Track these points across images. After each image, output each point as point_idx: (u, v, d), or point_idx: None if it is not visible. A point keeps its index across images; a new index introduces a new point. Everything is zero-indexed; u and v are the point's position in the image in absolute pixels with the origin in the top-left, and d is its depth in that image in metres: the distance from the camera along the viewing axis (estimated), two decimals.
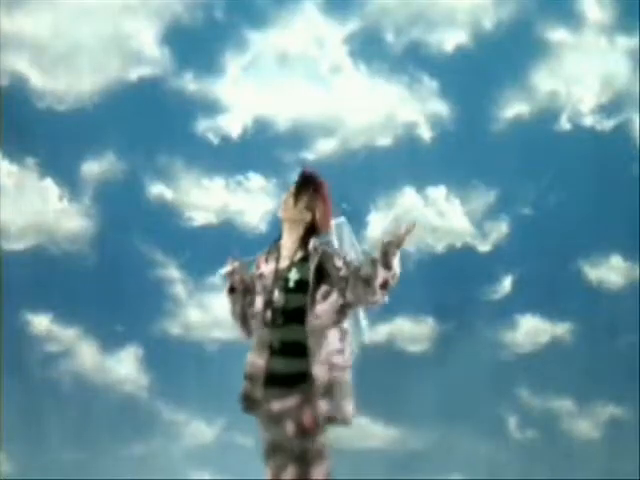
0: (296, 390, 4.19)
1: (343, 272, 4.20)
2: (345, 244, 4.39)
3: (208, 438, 6.55)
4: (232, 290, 4.45)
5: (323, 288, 4.23)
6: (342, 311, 4.25)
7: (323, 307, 4.23)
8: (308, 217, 4.32)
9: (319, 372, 4.18)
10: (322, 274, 4.23)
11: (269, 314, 4.28)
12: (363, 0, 6.55)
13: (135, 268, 6.48)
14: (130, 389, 6.55)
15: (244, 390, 4.31)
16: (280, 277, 4.29)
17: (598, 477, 6.52)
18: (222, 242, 6.39)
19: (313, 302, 4.20)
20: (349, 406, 4.27)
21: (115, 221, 6.47)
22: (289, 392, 4.19)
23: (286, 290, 4.26)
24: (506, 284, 6.70)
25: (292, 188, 4.37)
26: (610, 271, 6.75)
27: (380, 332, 6.56)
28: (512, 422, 6.72)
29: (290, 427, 4.18)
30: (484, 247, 6.71)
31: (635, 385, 6.64)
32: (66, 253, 6.48)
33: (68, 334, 6.49)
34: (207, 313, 6.56)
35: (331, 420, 4.20)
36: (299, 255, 4.30)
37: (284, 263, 4.32)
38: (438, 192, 6.65)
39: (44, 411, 6.40)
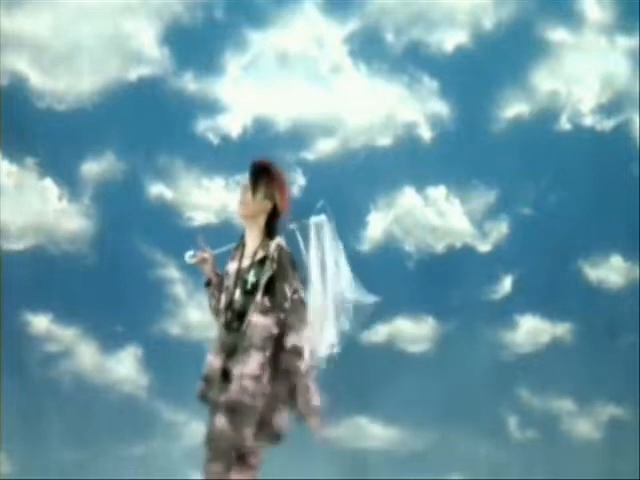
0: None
1: (287, 304, 4.19)
2: (326, 244, 4.34)
3: None
4: (208, 284, 4.45)
5: (266, 301, 4.22)
6: (271, 340, 4.21)
7: (258, 320, 4.22)
8: (268, 206, 4.31)
9: (230, 390, 4.18)
10: (270, 288, 4.22)
11: (228, 316, 4.28)
12: (363, 0, 6.55)
13: (135, 268, 6.47)
14: (130, 389, 6.55)
15: (200, 391, 4.32)
16: (240, 277, 4.28)
17: (598, 477, 6.52)
18: (222, 242, 6.37)
19: (254, 309, 4.20)
20: (248, 433, 4.20)
21: (115, 221, 6.47)
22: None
23: (244, 292, 4.26)
24: (506, 284, 6.69)
25: (245, 183, 4.35)
26: (610, 271, 6.75)
27: (380, 332, 6.56)
28: (512, 422, 6.72)
29: (220, 421, 4.19)
30: (484, 247, 6.71)
31: (635, 385, 6.64)
32: (66, 253, 6.47)
33: (68, 334, 6.49)
34: (207, 313, 6.47)
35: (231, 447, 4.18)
36: (260, 255, 4.28)
37: (246, 262, 4.29)
38: (438, 192, 6.65)
39: (44, 411, 6.39)
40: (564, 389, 6.72)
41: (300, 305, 4.23)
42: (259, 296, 4.21)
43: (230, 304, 4.27)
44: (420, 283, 6.57)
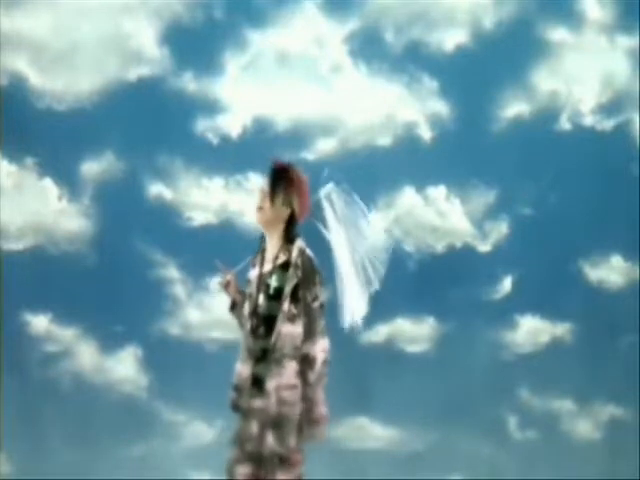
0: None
1: (306, 311, 4.24)
2: (339, 210, 4.35)
3: (208, 439, 6.53)
4: (233, 307, 4.44)
5: (293, 308, 4.24)
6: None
7: (287, 329, 4.24)
8: (286, 213, 4.31)
9: (269, 404, 4.23)
10: (295, 295, 4.25)
11: (254, 322, 4.27)
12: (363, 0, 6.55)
13: (134, 268, 6.46)
14: (129, 389, 6.54)
15: (232, 400, 4.34)
16: (263, 282, 4.29)
17: (598, 477, 6.52)
18: (222, 242, 6.39)
19: (282, 319, 4.22)
20: (292, 441, 4.27)
21: (114, 221, 6.46)
22: (262, 393, 4.25)
23: (268, 297, 4.27)
24: (506, 284, 6.69)
25: (264, 189, 4.33)
26: (610, 271, 6.75)
27: (380, 332, 6.56)
28: (512, 422, 6.72)
29: (255, 427, 4.23)
30: (484, 247, 6.71)
31: (635, 385, 6.64)
32: (65, 253, 6.47)
33: (67, 334, 6.48)
34: (207, 313, 6.55)
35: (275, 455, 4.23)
36: (281, 259, 4.29)
37: (267, 267, 4.31)
38: (438, 192, 6.64)
39: (43, 411, 6.38)
40: (564, 389, 6.72)
41: (319, 312, 4.29)
42: (286, 304, 4.23)
43: (254, 310, 4.28)
44: (420, 283, 6.56)
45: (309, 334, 4.26)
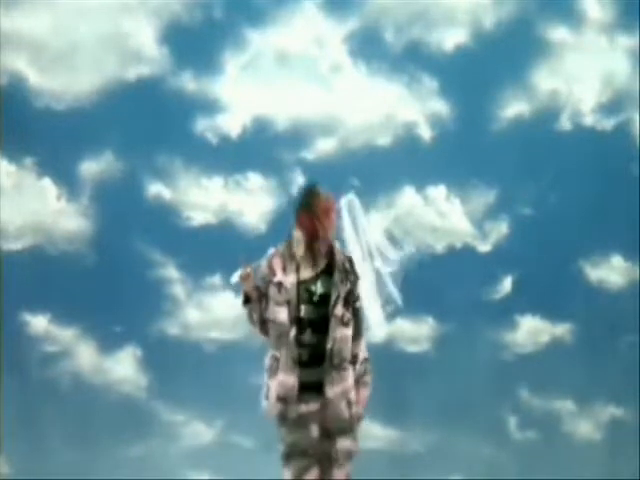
0: (319, 396, 4.29)
1: (359, 304, 4.35)
2: (358, 220, 4.41)
3: (207, 439, 6.53)
4: (247, 300, 4.43)
5: (346, 312, 4.31)
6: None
7: (342, 333, 4.31)
8: (303, 236, 4.33)
9: (339, 409, 4.29)
10: (347, 299, 4.32)
11: (296, 329, 4.28)
12: None
13: (133, 268, 6.46)
14: (128, 389, 6.53)
15: (279, 411, 4.33)
16: (303, 289, 4.30)
17: (598, 477, 6.52)
18: (221, 242, 6.38)
19: (335, 324, 4.28)
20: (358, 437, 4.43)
21: (113, 221, 6.45)
22: (314, 397, 4.28)
23: (311, 303, 4.30)
24: (506, 284, 6.69)
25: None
26: (610, 271, 6.75)
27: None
28: (512, 422, 6.71)
29: (314, 430, 4.29)
30: (484, 247, 6.70)
31: (635, 385, 6.64)
32: (64, 253, 6.46)
33: (66, 334, 6.48)
34: (206, 313, 6.54)
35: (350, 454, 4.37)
36: (322, 266, 4.32)
37: (306, 274, 4.32)
38: (438, 192, 6.63)
39: (42, 411, 6.38)
40: (564, 389, 6.72)
41: (360, 313, 4.37)
42: (339, 309, 4.27)
43: (297, 317, 4.29)
44: (420, 283, 6.54)
45: (357, 335, 4.36)
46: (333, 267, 4.31)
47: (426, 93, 6.59)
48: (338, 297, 4.27)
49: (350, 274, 4.32)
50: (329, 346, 4.25)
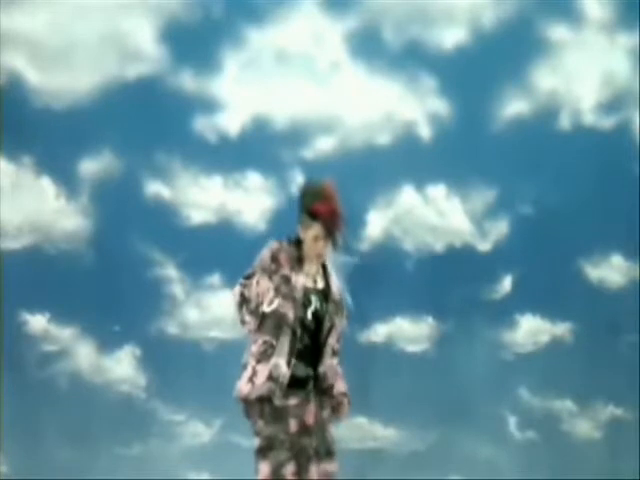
0: (302, 391, 4.32)
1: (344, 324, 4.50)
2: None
3: (206, 438, 6.52)
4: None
5: (336, 344, 4.46)
6: None
7: (332, 362, 4.44)
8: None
9: (327, 433, 4.42)
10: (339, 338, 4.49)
11: (300, 330, 4.32)
12: None
13: (132, 267, 6.45)
14: (127, 389, 6.52)
15: (267, 390, 4.30)
16: (307, 297, 4.35)
17: (598, 477, 6.52)
18: (220, 241, 6.38)
19: (328, 355, 4.41)
20: None
21: (112, 220, 6.44)
22: (299, 393, 4.31)
23: (311, 313, 4.35)
24: (506, 284, 6.68)
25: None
26: (611, 271, 6.74)
27: (380, 332, 6.55)
28: (512, 422, 6.71)
29: (293, 425, 4.28)
30: (484, 247, 6.69)
31: (635, 385, 6.64)
32: (63, 252, 6.45)
33: (65, 334, 6.46)
34: (205, 312, 6.54)
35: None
36: (320, 285, 4.41)
37: (309, 283, 4.38)
38: (438, 191, 6.63)
39: (41, 411, 6.37)
40: (564, 389, 6.72)
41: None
42: (333, 339, 4.40)
43: (302, 320, 4.34)
44: (420, 283, 6.55)
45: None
46: (329, 293, 4.39)
47: (426, 92, 6.58)
48: (332, 327, 4.38)
49: (344, 310, 4.46)
50: (321, 371, 4.37)
